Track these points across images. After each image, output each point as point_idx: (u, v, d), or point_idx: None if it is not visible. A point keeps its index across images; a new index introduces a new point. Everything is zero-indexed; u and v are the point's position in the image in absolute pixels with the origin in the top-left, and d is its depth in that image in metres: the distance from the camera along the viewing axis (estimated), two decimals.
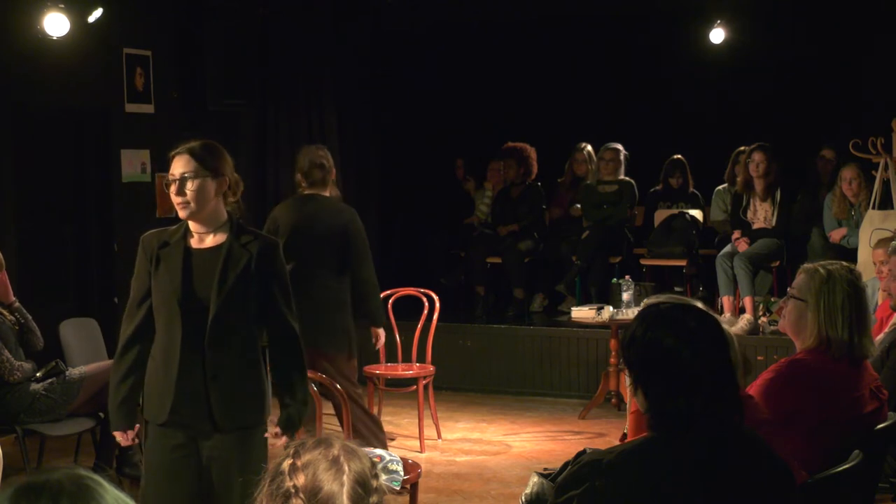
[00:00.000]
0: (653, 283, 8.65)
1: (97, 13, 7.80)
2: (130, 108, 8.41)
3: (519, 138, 9.56)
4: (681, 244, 8.98)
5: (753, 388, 3.47)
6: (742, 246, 8.17)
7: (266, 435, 3.88)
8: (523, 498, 3.25)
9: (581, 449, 3.13)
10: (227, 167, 3.82)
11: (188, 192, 3.72)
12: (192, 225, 3.80)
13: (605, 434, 7.29)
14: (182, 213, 3.76)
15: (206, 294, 3.72)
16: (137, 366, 3.87)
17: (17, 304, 6.04)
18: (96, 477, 1.51)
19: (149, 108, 8.55)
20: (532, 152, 9.46)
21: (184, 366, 3.72)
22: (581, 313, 7.86)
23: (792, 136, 9.48)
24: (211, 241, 3.79)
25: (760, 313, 8.16)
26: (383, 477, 2.05)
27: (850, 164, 7.99)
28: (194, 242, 3.80)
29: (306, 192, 6.16)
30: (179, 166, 3.74)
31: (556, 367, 8.70)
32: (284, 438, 3.84)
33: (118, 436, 3.98)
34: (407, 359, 7.61)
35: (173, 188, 3.74)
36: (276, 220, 6.12)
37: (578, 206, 9.57)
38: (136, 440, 4.00)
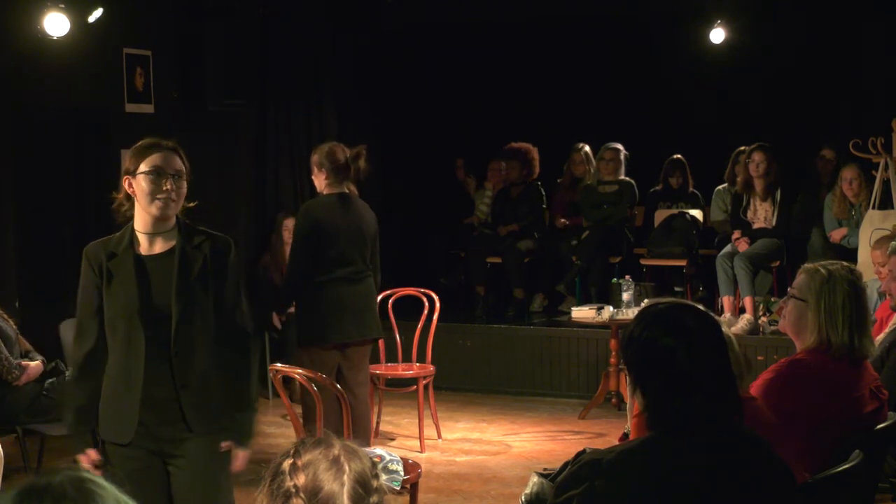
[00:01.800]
0: (653, 283, 8.66)
1: (97, 13, 7.79)
2: (130, 108, 8.41)
3: (519, 138, 9.55)
4: (681, 244, 8.98)
5: (753, 388, 3.46)
6: (742, 246, 8.17)
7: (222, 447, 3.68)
8: (523, 498, 3.26)
9: (581, 449, 3.13)
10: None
11: (181, 190, 3.62)
12: (142, 226, 3.64)
13: (605, 434, 7.28)
14: (163, 210, 3.59)
15: (166, 301, 3.57)
16: (98, 382, 3.66)
17: None
18: (98, 479, 1.51)
19: (149, 108, 8.54)
20: (535, 153, 9.44)
21: (149, 379, 3.56)
22: (581, 313, 7.86)
23: (792, 136, 9.48)
24: (160, 245, 3.64)
25: (760, 313, 8.15)
26: (383, 477, 2.05)
27: (850, 164, 8.00)
28: (143, 249, 3.64)
29: (336, 190, 6.02)
30: (176, 163, 3.62)
31: (556, 367, 8.70)
32: (243, 454, 3.68)
33: (83, 460, 3.67)
34: (407, 359, 7.62)
35: (169, 183, 3.57)
36: (318, 221, 5.93)
37: (564, 220, 9.57)
38: (100, 458, 3.71)
